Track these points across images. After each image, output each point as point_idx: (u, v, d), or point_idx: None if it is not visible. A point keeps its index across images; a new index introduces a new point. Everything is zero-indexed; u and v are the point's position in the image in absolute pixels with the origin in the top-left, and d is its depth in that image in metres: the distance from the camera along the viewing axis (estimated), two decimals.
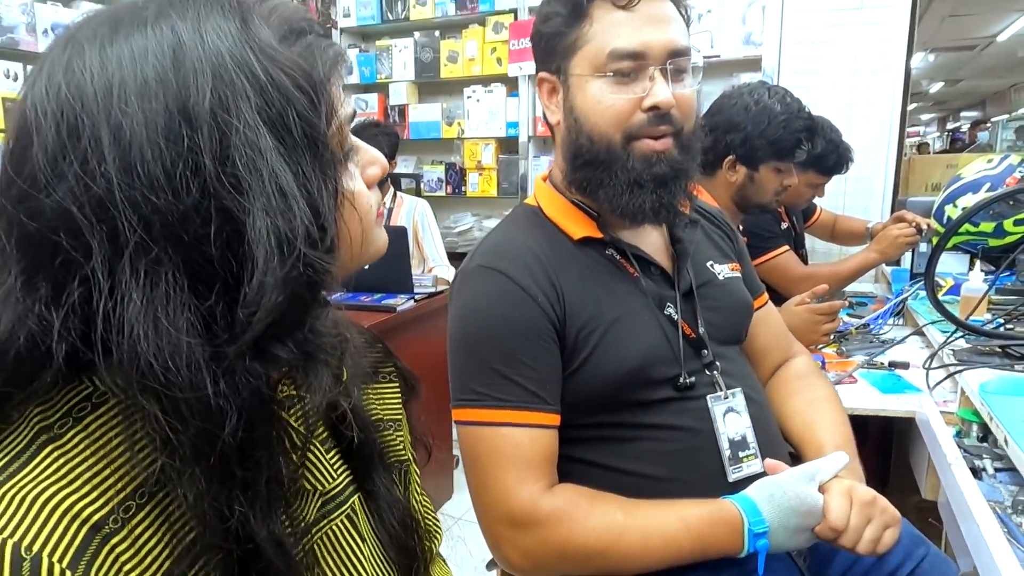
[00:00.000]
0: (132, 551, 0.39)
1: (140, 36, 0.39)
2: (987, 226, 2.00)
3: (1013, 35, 6.54)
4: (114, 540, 0.38)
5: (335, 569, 0.53)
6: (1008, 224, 1.94)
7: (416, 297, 2.14)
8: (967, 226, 2.05)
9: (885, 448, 1.83)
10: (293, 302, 0.39)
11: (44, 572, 0.35)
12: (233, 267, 0.38)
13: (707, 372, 0.91)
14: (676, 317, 0.91)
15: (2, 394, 0.39)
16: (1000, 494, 0.85)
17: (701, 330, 0.92)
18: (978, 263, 1.71)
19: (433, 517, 0.70)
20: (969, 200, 2.02)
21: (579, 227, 0.92)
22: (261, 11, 0.43)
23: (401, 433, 0.67)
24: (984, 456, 0.95)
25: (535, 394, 0.84)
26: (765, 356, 1.08)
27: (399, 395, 0.67)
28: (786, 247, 1.75)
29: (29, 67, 2.29)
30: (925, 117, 15.63)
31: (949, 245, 2.12)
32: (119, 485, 0.39)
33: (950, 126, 14.91)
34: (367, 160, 0.50)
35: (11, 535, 0.35)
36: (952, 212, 2.07)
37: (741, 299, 1.02)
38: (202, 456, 0.37)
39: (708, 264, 1.00)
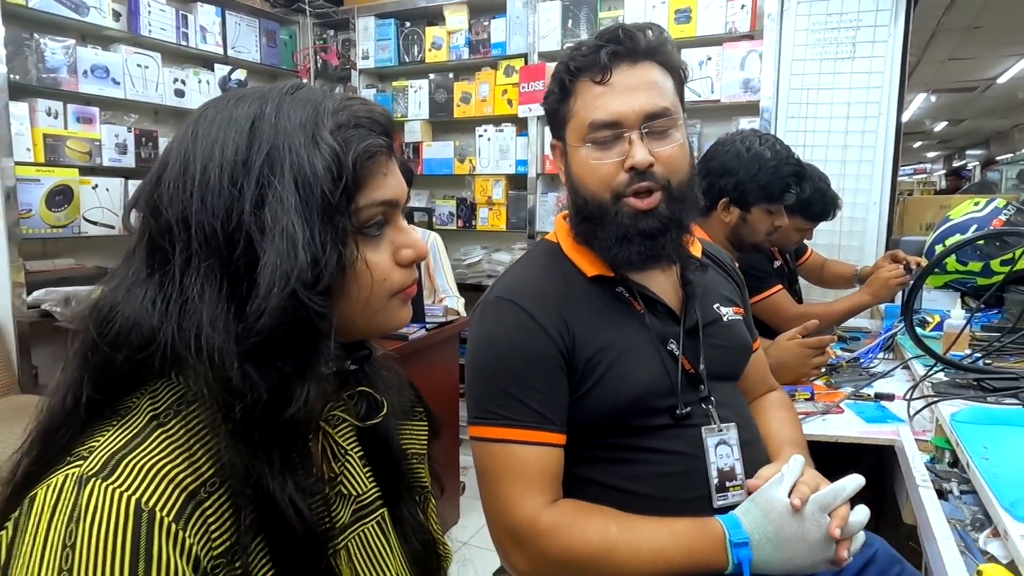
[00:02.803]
0: (215, 516, 0.49)
1: (242, 107, 0.54)
2: (975, 265, 2.09)
3: (1012, 78, 6.69)
4: (204, 505, 0.49)
5: (365, 567, 0.62)
6: (995, 264, 2.03)
7: (427, 326, 2.24)
8: (956, 265, 2.14)
9: (880, 485, 1.89)
10: (287, 325, 0.50)
11: (156, 522, 0.46)
12: (250, 287, 0.50)
13: (703, 405, 0.99)
14: (677, 353, 0.98)
15: (121, 387, 0.52)
16: (962, 513, 0.93)
17: (701, 367, 1.00)
18: (958, 300, 1.79)
19: (444, 542, 0.79)
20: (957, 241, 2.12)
21: (593, 266, 1.01)
22: (335, 105, 0.55)
23: (424, 466, 0.77)
24: (952, 480, 1.02)
25: (543, 416, 0.92)
26: (749, 393, 1.17)
27: (426, 433, 0.77)
28: (779, 286, 1.84)
29: (69, 105, 2.45)
30: (931, 155, 15.77)
31: (940, 283, 2.22)
32: (206, 465, 0.50)
33: (956, 164, 15.04)
34: (402, 243, 0.60)
35: (132, 492, 0.46)
36: (941, 250, 2.16)
37: (742, 340, 1.10)
38: (226, 416, 0.49)
39: (715, 306, 1.08)
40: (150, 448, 0.49)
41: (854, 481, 0.87)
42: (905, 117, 9.76)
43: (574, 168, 0.99)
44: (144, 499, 0.46)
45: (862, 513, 0.86)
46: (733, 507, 0.94)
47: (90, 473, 0.47)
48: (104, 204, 2.56)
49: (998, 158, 10.77)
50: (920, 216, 2.76)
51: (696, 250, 1.09)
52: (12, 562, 0.47)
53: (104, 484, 0.46)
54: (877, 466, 1.87)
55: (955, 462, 1.10)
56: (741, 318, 1.12)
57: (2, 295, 2.23)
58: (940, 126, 10.53)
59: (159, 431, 0.50)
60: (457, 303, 2.68)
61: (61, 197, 2.41)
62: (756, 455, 1.03)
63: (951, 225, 2.16)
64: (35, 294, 2.29)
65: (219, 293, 0.50)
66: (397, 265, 0.59)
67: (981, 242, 1.97)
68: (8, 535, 0.48)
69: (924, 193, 10.65)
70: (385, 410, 0.65)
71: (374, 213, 0.57)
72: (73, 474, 0.47)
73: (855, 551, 0.87)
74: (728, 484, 0.97)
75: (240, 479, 0.49)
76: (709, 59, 2.67)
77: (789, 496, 0.86)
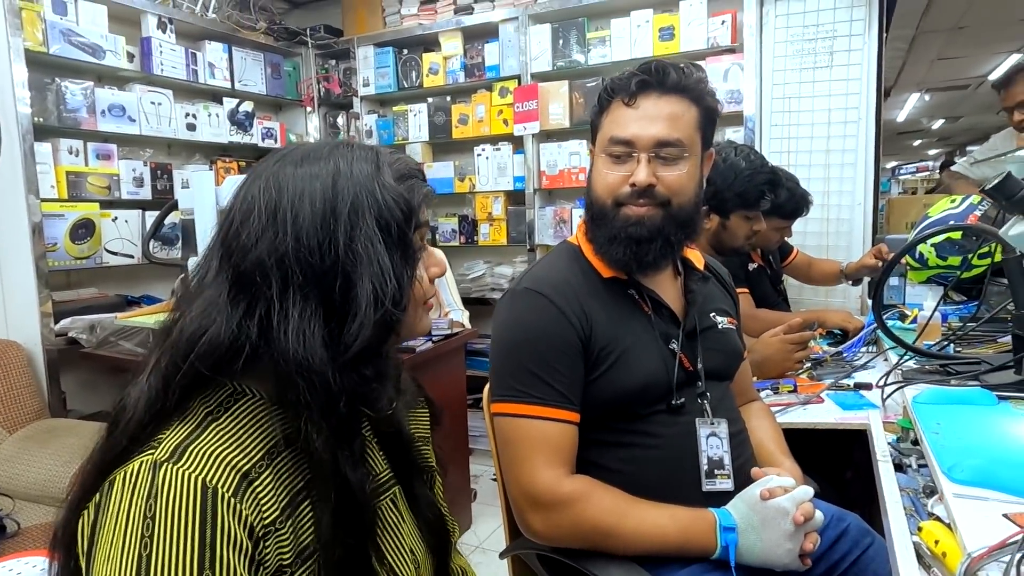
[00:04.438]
0: (265, 491, 0.61)
1: (316, 165, 0.66)
2: (955, 260, 2.18)
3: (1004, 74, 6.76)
4: (255, 483, 0.60)
5: (385, 536, 0.73)
6: (974, 258, 2.12)
7: (433, 339, 2.35)
8: (937, 260, 2.24)
9: (869, 478, 1.97)
10: (378, 338, 0.62)
11: (219, 497, 0.57)
12: (347, 309, 0.62)
13: (699, 400, 1.10)
14: (677, 351, 1.10)
15: (186, 390, 0.62)
16: (917, 483, 1.02)
17: (699, 365, 1.11)
18: (930, 293, 1.89)
19: (450, 517, 0.90)
20: (936, 238, 2.22)
21: (608, 268, 1.13)
22: (389, 159, 0.68)
23: (429, 448, 0.89)
24: (912, 456, 1.12)
25: (563, 395, 1.03)
26: (735, 399, 1.27)
27: (428, 418, 0.90)
28: (744, 289, 1.95)
29: (89, 143, 2.60)
30: (932, 152, 15.76)
31: (923, 278, 2.31)
32: (254, 451, 0.62)
33: (959, 159, 14.99)
34: (432, 262, 0.73)
35: (198, 473, 0.57)
36: (923, 248, 2.25)
37: (735, 346, 1.22)
38: (326, 418, 0.61)
39: (711, 315, 1.20)
40: (208, 438, 0.60)
41: (812, 488, 1.03)
42: (901, 117, 9.74)
43: (592, 172, 1.13)
44: (208, 478, 0.57)
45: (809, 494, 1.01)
46: (719, 493, 1.06)
47: (162, 459, 0.58)
48: (123, 235, 2.70)
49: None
50: (905, 214, 2.86)
51: (699, 263, 1.21)
52: (97, 536, 0.57)
53: (175, 467, 0.57)
54: (868, 460, 1.96)
55: (917, 441, 1.19)
56: (734, 328, 1.24)
57: (31, 325, 2.35)
58: (938, 124, 10.57)
59: (213, 424, 0.62)
60: (462, 316, 2.79)
61: (84, 230, 2.54)
62: (744, 450, 1.14)
63: (930, 222, 2.26)
64: (62, 323, 2.42)
65: (315, 314, 0.61)
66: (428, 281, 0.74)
67: (946, 238, 2.06)
68: (90, 515, 0.59)
69: (928, 191, 10.69)
70: (396, 401, 0.77)
71: (422, 236, 0.71)
72: (147, 460, 0.58)
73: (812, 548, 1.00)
74: (716, 472, 1.08)
75: (329, 469, 0.62)
76: None
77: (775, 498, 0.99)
